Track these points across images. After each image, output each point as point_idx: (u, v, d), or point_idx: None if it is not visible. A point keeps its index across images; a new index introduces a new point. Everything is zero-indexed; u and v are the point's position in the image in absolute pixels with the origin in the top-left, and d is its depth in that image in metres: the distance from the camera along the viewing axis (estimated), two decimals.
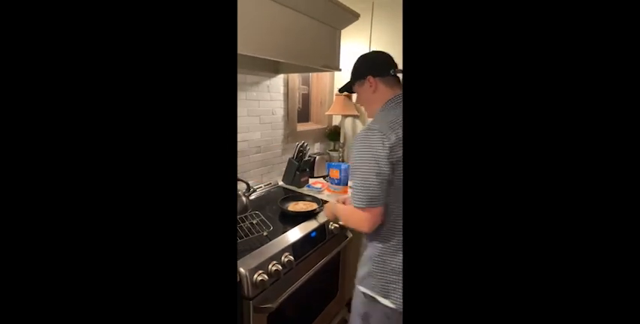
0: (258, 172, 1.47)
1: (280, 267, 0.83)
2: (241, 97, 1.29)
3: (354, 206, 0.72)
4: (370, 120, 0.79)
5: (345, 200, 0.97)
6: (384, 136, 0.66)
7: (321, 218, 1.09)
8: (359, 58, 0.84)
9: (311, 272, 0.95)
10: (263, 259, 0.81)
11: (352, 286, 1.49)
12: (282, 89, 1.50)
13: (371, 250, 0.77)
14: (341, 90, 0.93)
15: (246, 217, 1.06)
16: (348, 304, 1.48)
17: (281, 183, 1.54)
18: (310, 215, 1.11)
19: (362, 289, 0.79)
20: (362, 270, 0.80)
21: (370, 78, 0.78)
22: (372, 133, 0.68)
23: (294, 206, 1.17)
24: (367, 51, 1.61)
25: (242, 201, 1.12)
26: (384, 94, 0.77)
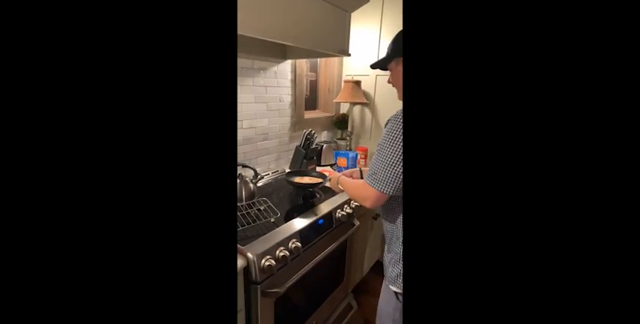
0: (265, 159, 1.46)
1: (287, 253, 0.83)
2: (248, 83, 1.27)
3: (367, 182, 0.71)
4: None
5: (352, 174, 0.96)
6: None
7: (329, 206, 1.09)
8: (401, 33, 0.73)
9: (318, 259, 0.95)
10: (270, 244, 0.82)
11: (359, 273, 1.52)
12: (289, 75, 1.47)
13: (401, 247, 0.73)
14: (372, 66, 0.83)
15: (253, 203, 1.06)
16: (354, 291, 1.50)
17: (288, 171, 1.53)
18: (315, 188, 1.13)
19: (394, 289, 0.76)
20: (395, 269, 0.75)
21: None
22: None
23: (300, 180, 1.19)
24: (378, 36, 1.57)
25: (249, 188, 1.13)
26: None
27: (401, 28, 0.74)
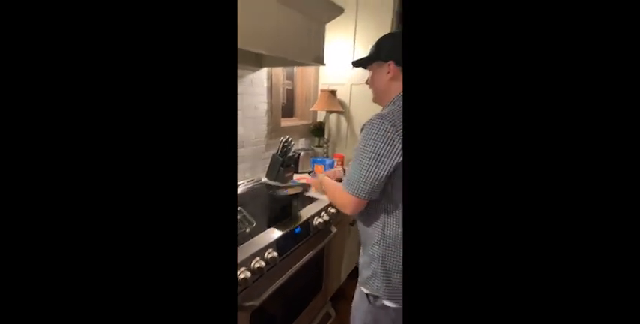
0: (240, 168, 1.43)
1: (263, 263, 0.81)
2: None
3: (344, 189, 0.71)
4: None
5: (335, 173, 0.95)
6: (396, 134, 0.63)
7: (305, 213, 1.08)
8: (386, 37, 0.75)
9: (295, 268, 0.94)
10: (245, 256, 0.79)
11: (336, 280, 1.52)
12: (265, 83, 1.47)
13: (374, 250, 0.75)
14: (354, 63, 0.83)
15: None
16: (332, 299, 1.49)
17: (264, 179, 1.51)
18: (297, 197, 1.10)
19: (366, 290, 0.77)
20: (366, 271, 0.77)
21: (392, 64, 0.71)
22: (385, 127, 0.64)
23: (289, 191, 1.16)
24: (352, 46, 1.61)
25: None
26: (401, 87, 0.71)
27: (374, 37, 0.77)
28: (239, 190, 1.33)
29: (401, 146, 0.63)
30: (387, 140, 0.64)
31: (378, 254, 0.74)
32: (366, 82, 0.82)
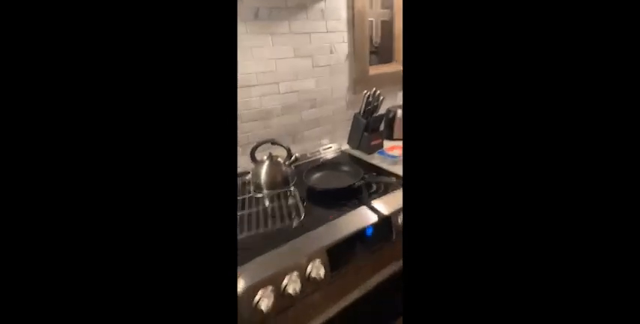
0: (313, 133, 1.14)
1: (299, 285, 0.52)
2: (283, 29, 0.94)
3: None
4: None
5: None
6: None
7: (386, 206, 0.70)
8: None
9: (357, 295, 0.61)
10: (274, 269, 0.52)
11: None
12: (344, 14, 1.05)
13: None
14: None
15: (283, 193, 0.79)
16: None
17: (346, 147, 1.18)
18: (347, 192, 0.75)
19: None
20: None
21: None
22: None
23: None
24: None
25: (282, 171, 0.85)
26: None
27: None
28: (315, 162, 1.05)
29: None
30: None
31: None
32: None
